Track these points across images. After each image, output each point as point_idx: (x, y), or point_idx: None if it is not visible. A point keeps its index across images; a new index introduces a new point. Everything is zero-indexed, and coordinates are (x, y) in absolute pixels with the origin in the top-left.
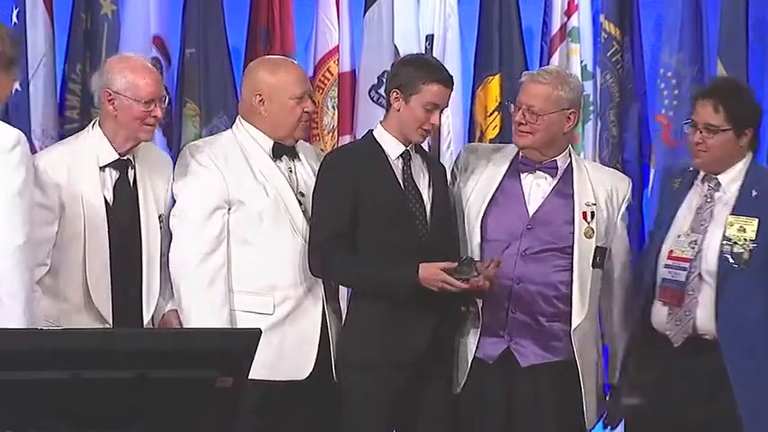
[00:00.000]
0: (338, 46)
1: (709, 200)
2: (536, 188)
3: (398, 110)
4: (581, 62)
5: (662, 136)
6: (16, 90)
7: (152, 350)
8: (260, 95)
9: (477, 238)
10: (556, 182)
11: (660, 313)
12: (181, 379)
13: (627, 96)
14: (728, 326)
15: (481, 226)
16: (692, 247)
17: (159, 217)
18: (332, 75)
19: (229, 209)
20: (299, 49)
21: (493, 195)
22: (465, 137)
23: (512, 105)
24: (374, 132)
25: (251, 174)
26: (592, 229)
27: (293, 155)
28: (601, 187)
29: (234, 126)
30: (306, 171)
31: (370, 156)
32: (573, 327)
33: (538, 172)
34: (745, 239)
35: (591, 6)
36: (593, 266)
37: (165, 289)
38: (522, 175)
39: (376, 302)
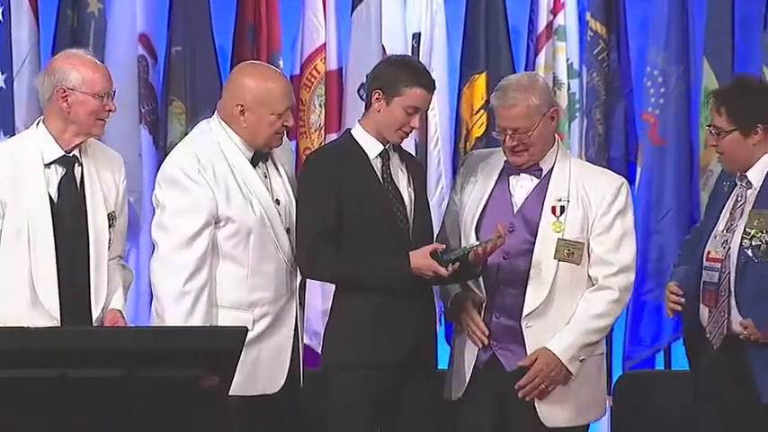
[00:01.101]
0: (325, 44)
1: (740, 198)
2: (520, 190)
3: (379, 110)
4: (567, 60)
5: (648, 134)
6: (0, 88)
7: (138, 349)
8: (241, 106)
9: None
10: (538, 182)
11: (704, 316)
12: (167, 377)
13: (613, 94)
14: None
15: (476, 232)
16: (724, 247)
17: (109, 215)
18: (319, 73)
19: (216, 223)
20: (285, 47)
21: (486, 201)
22: (451, 135)
23: (495, 133)
24: (352, 131)
25: (237, 187)
26: (560, 224)
27: (266, 158)
28: (580, 185)
29: (213, 124)
30: (279, 173)
31: (351, 155)
32: (522, 315)
33: (522, 174)
34: (763, 231)
35: (577, 5)
36: (559, 259)
37: (111, 283)
38: (510, 178)
39: (360, 302)
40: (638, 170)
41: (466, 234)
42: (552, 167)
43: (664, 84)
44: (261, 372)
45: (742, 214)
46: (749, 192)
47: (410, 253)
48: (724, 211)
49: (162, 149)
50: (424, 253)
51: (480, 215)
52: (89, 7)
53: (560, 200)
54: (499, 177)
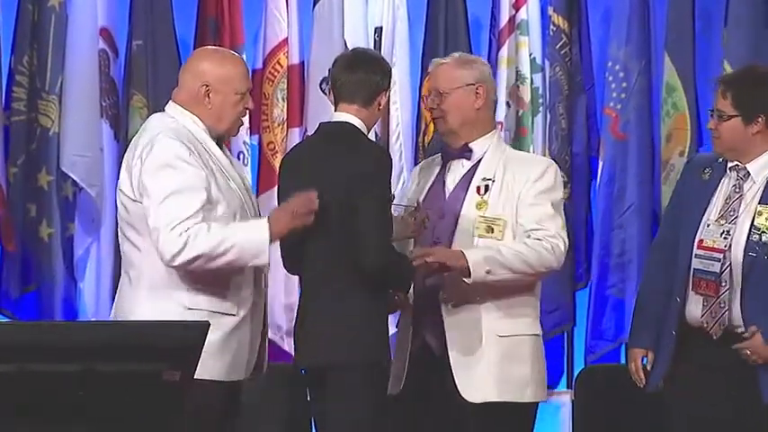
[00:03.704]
0: (287, 38)
1: (738, 189)
2: (452, 176)
3: (381, 109)
4: (530, 55)
5: (610, 129)
6: None
7: (99, 343)
8: (206, 86)
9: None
10: (470, 167)
11: (694, 306)
12: (128, 372)
13: (575, 89)
14: (755, 315)
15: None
16: (725, 238)
17: None
18: (281, 67)
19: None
20: (248, 40)
21: (426, 192)
22: (413, 128)
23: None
24: (361, 128)
25: (219, 169)
26: (484, 202)
27: (221, 148)
28: (508, 168)
29: (174, 111)
30: (232, 162)
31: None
32: (440, 294)
33: (456, 160)
34: None
35: None
36: (480, 236)
37: None
38: (447, 166)
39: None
40: (600, 164)
41: None
42: (485, 153)
43: (625, 79)
44: (244, 357)
45: (742, 206)
46: (747, 184)
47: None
48: (714, 199)
49: (123, 143)
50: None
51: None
52: (50, 1)
53: (485, 179)
54: (440, 169)
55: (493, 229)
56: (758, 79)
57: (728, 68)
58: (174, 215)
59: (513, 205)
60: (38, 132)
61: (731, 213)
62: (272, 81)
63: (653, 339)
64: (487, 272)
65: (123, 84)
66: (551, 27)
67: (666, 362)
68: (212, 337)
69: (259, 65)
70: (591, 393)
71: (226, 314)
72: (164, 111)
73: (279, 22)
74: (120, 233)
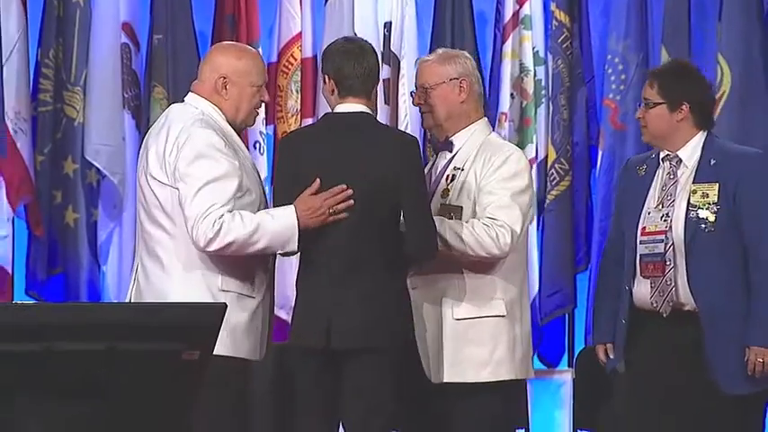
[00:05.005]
0: (301, 32)
1: (672, 176)
2: (436, 168)
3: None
4: (533, 48)
5: (609, 119)
6: None
7: (121, 323)
8: (224, 78)
9: None
10: (450, 158)
11: (643, 290)
12: (149, 351)
13: (576, 81)
14: (700, 288)
15: None
16: (665, 220)
17: None
18: (295, 60)
19: (240, 191)
20: (263, 35)
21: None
22: (419, 121)
23: (413, 94)
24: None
25: (245, 157)
26: (447, 191)
27: None
28: (478, 156)
29: (197, 102)
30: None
31: None
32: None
33: (440, 152)
34: (709, 203)
35: None
36: None
37: None
38: (437, 158)
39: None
40: (600, 154)
41: None
42: (464, 144)
43: (624, 71)
44: (265, 336)
45: (678, 190)
46: (680, 170)
47: None
48: (651, 190)
49: (144, 133)
50: None
51: None
52: None
53: (456, 168)
54: (434, 162)
55: (452, 216)
56: (682, 70)
57: (723, 62)
58: (209, 203)
59: (474, 192)
60: (63, 122)
61: (668, 198)
62: (287, 73)
63: (612, 332)
64: None
65: (144, 76)
66: (553, 22)
67: (620, 349)
68: (240, 317)
69: (274, 58)
70: (590, 372)
71: (249, 296)
72: (183, 101)
73: (293, 17)
74: (145, 218)
